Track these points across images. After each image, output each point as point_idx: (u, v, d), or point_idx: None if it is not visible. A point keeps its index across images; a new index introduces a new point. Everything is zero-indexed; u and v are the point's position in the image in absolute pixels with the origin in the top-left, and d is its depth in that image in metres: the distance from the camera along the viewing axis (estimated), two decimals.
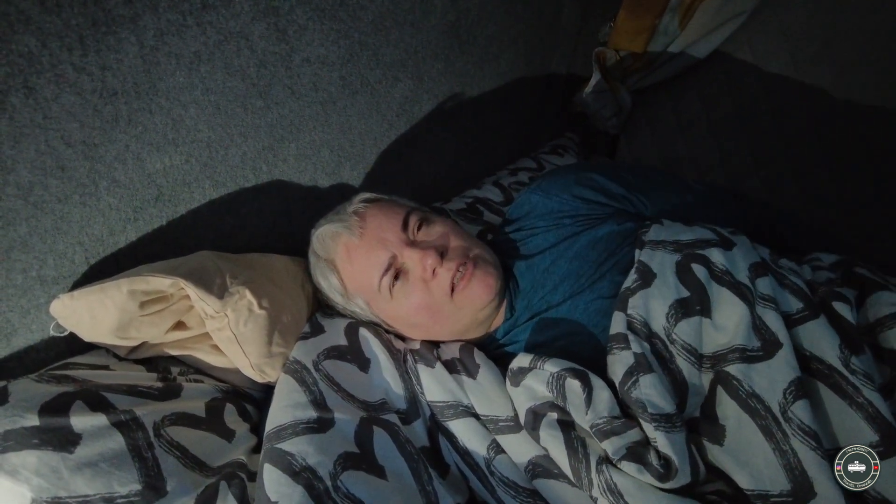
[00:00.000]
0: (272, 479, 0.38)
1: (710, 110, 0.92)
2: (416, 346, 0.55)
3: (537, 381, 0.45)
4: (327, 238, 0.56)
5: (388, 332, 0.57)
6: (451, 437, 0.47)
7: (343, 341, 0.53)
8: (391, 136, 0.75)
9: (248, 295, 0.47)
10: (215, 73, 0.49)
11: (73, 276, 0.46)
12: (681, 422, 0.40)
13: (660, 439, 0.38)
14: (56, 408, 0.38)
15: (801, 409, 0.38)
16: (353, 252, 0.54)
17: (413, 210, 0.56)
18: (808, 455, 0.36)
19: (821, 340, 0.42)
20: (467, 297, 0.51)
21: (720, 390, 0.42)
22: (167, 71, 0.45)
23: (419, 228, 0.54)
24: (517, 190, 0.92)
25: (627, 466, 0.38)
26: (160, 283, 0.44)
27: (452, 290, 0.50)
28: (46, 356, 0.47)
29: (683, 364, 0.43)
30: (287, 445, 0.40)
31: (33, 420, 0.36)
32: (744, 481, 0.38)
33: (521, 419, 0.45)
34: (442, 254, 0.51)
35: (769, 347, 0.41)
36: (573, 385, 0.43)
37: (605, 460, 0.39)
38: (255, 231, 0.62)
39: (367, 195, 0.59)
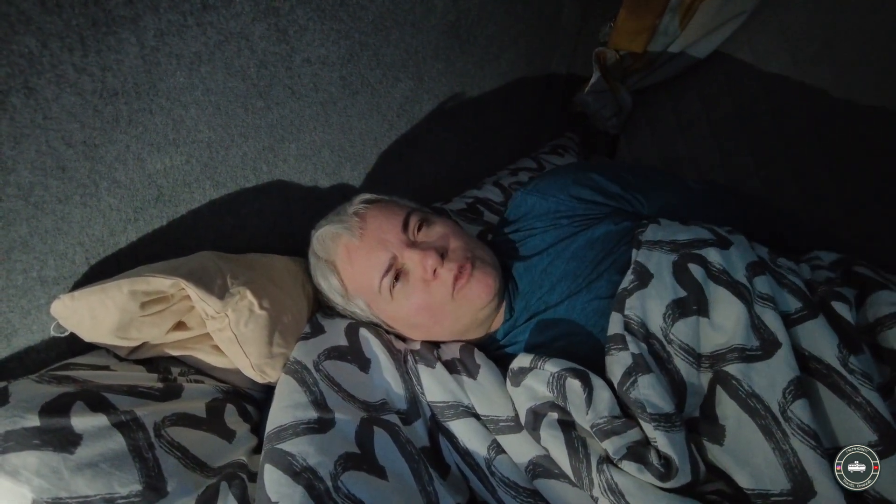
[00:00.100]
0: (273, 479, 0.38)
1: (710, 110, 0.92)
2: (417, 346, 0.55)
3: (538, 381, 0.45)
4: (327, 239, 0.56)
5: (388, 332, 0.57)
6: (452, 438, 0.47)
7: (343, 342, 0.53)
8: (392, 136, 0.75)
9: (249, 295, 0.47)
10: (216, 74, 0.49)
11: (74, 277, 0.46)
12: (680, 421, 0.40)
13: (660, 439, 0.38)
14: (57, 408, 0.38)
15: (800, 409, 0.38)
16: (353, 253, 0.54)
17: (413, 211, 0.56)
18: (807, 454, 0.36)
19: (819, 340, 0.42)
20: (467, 297, 0.51)
21: (719, 390, 0.42)
22: (168, 71, 0.45)
23: (419, 229, 0.54)
24: (517, 190, 0.92)
25: (628, 466, 0.38)
26: (161, 283, 0.44)
27: (453, 291, 0.50)
28: (47, 357, 0.47)
29: (681, 364, 0.43)
30: (288, 446, 0.40)
31: (34, 421, 0.36)
32: (744, 481, 0.38)
33: (522, 419, 0.45)
34: (442, 255, 0.51)
35: (768, 347, 0.41)
36: (574, 385, 0.43)
37: (605, 460, 0.39)
38: (255, 231, 0.62)
39: (367, 196, 0.59)
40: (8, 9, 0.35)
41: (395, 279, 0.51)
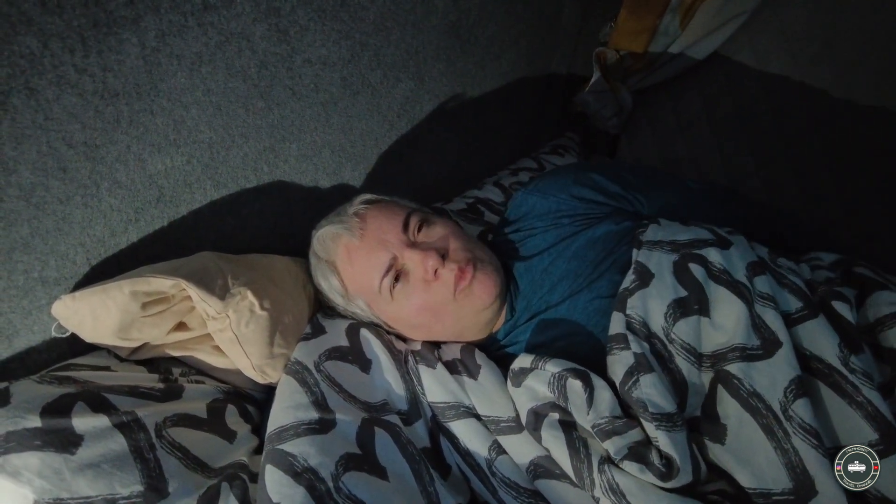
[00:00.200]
0: (274, 480, 0.38)
1: (710, 110, 0.92)
2: (418, 346, 0.55)
3: (538, 381, 0.45)
4: (328, 239, 0.56)
5: (389, 333, 0.57)
6: (453, 438, 0.47)
7: (344, 342, 0.53)
8: (392, 136, 0.75)
9: (250, 296, 0.47)
10: (217, 74, 0.49)
11: (75, 278, 0.46)
12: (682, 421, 0.40)
13: (661, 438, 0.38)
14: (58, 409, 0.38)
15: (801, 408, 0.38)
16: (353, 253, 0.54)
17: (414, 211, 0.56)
18: (809, 453, 0.36)
19: (820, 339, 0.42)
20: (469, 298, 0.51)
21: (720, 389, 0.42)
22: (169, 72, 0.45)
23: (420, 230, 0.54)
24: (517, 190, 0.92)
25: (629, 466, 0.38)
26: (162, 284, 0.44)
27: (455, 291, 0.50)
28: (48, 357, 0.47)
29: (683, 363, 0.43)
30: (289, 446, 0.40)
31: (35, 421, 0.36)
32: (745, 480, 0.38)
33: (523, 420, 0.45)
34: (443, 255, 0.51)
35: (769, 346, 0.42)
36: (575, 385, 0.43)
37: (606, 460, 0.39)
38: (256, 232, 0.62)
39: (367, 196, 0.59)
40: (9, 9, 0.35)
41: (396, 280, 0.51)
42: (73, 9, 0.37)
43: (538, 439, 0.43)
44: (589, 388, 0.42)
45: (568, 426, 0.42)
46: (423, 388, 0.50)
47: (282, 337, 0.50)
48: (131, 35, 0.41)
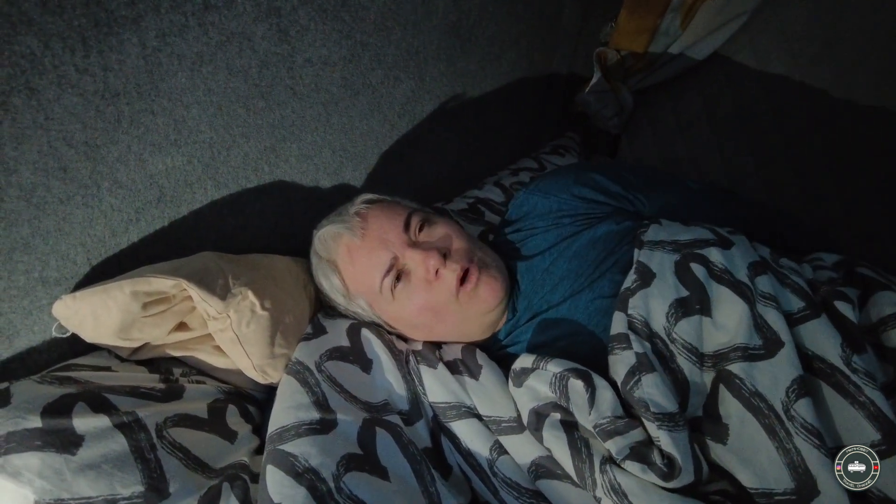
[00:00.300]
0: (275, 480, 0.38)
1: (710, 110, 0.92)
2: (419, 346, 0.55)
3: (540, 381, 0.45)
4: (329, 239, 0.55)
5: (390, 333, 0.57)
6: (454, 438, 0.47)
7: (345, 342, 0.53)
8: (393, 136, 0.75)
9: (251, 296, 0.47)
10: (217, 74, 0.49)
11: (76, 278, 0.46)
12: (683, 421, 0.40)
13: (663, 438, 0.38)
14: (58, 409, 0.38)
15: (803, 408, 0.38)
16: (354, 253, 0.53)
17: (415, 211, 0.56)
18: (811, 453, 0.36)
19: (822, 339, 0.42)
20: (474, 301, 0.51)
21: (722, 389, 0.42)
22: (169, 72, 0.45)
23: (421, 229, 0.54)
24: (518, 190, 0.92)
25: (631, 466, 0.38)
26: (162, 284, 0.44)
27: (457, 291, 0.50)
28: (49, 357, 0.47)
29: (684, 363, 0.43)
30: (290, 447, 0.40)
31: (36, 422, 0.36)
32: (747, 480, 0.38)
33: (524, 420, 0.45)
34: (444, 255, 0.51)
35: (771, 346, 0.41)
36: (576, 385, 0.43)
37: (608, 460, 0.39)
38: (257, 232, 0.62)
39: (368, 196, 0.59)
40: (9, 9, 0.35)
41: (397, 279, 0.51)
42: (74, 9, 0.37)
43: (540, 439, 0.43)
44: (591, 387, 0.42)
45: (569, 426, 0.42)
46: (424, 389, 0.50)
47: (283, 337, 0.50)
48: (132, 35, 0.41)
